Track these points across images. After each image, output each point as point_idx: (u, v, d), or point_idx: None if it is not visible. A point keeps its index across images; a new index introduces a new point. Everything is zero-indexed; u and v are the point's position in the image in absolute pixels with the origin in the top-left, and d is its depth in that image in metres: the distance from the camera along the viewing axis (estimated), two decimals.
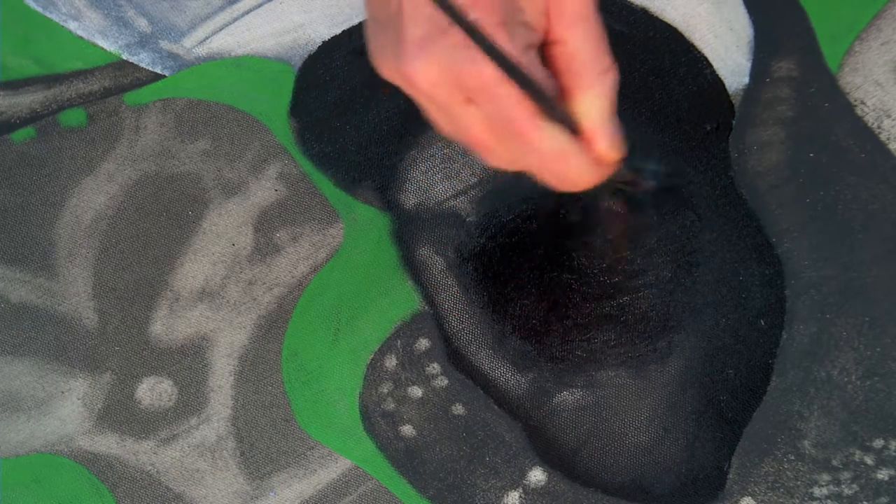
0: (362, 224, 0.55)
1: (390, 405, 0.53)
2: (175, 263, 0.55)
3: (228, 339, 0.54)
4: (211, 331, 0.54)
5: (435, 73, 0.39)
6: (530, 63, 0.40)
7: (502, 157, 0.42)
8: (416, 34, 0.39)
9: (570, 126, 0.41)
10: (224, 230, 0.56)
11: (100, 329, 0.54)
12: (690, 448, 0.52)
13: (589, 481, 0.51)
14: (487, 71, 0.38)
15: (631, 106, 0.56)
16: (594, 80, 0.41)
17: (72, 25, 0.59)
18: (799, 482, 0.51)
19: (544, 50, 0.41)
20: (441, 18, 0.38)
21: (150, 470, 0.53)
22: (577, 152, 0.41)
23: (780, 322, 0.53)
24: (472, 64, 0.38)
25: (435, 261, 0.54)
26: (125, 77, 0.59)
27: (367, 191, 0.56)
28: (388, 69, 0.40)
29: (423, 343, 0.53)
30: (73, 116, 0.58)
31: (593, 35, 0.41)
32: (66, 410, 0.53)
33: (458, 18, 0.37)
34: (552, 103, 0.40)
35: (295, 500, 0.52)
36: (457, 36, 0.38)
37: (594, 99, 0.41)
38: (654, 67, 0.57)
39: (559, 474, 0.52)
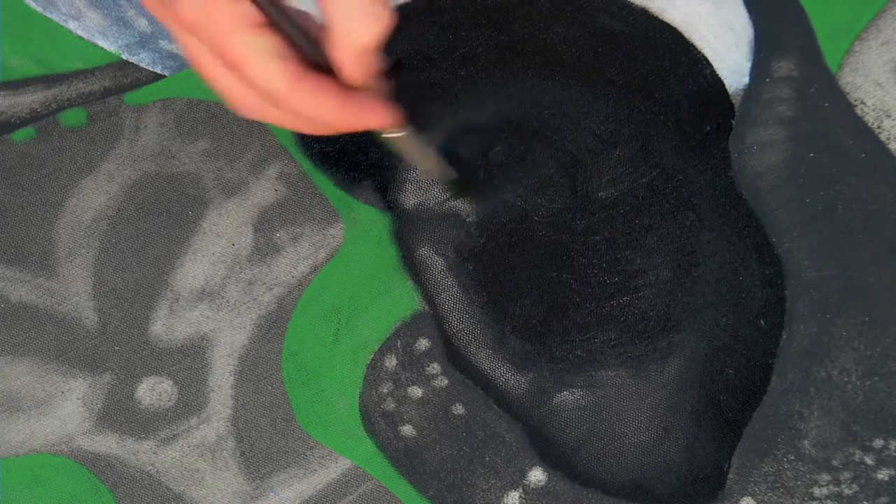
0: (362, 224, 0.55)
1: (390, 405, 0.53)
2: (175, 263, 0.55)
3: (228, 339, 0.54)
4: (211, 331, 0.54)
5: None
6: None
7: (241, 101, 0.42)
8: None
9: (316, 59, 0.41)
10: (224, 230, 0.56)
11: (100, 329, 0.54)
12: (690, 448, 0.52)
13: (589, 481, 0.51)
14: (186, 3, 0.39)
15: (631, 106, 0.56)
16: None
17: (72, 25, 0.59)
18: (799, 482, 0.51)
19: None
20: None
21: (150, 470, 0.52)
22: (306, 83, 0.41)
23: (780, 322, 0.53)
24: None
25: (435, 261, 0.54)
26: (125, 77, 0.59)
27: (367, 191, 0.56)
28: None
29: (423, 343, 0.53)
30: (73, 116, 0.58)
31: None
32: (66, 410, 0.53)
33: None
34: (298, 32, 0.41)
35: (295, 500, 0.52)
36: None
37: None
38: (654, 67, 0.57)
39: (559, 474, 0.52)
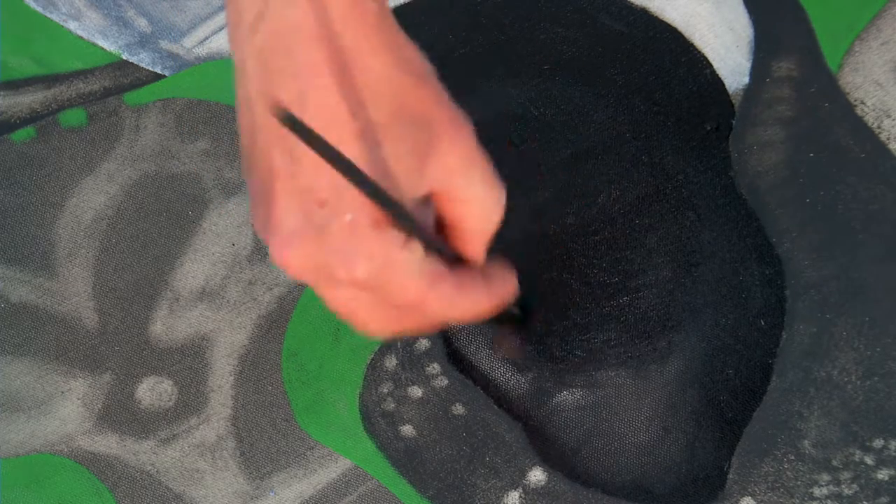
0: None
1: (390, 405, 0.53)
2: (175, 263, 0.55)
3: (228, 339, 0.54)
4: (211, 331, 0.54)
5: (304, 269, 0.37)
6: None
7: (379, 323, 0.40)
8: (287, 225, 0.36)
9: (449, 255, 0.39)
10: (224, 230, 0.56)
11: (100, 329, 0.54)
12: (690, 448, 0.52)
13: (589, 481, 0.51)
14: (361, 269, 0.36)
15: (631, 106, 0.56)
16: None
17: (72, 25, 0.59)
18: (799, 482, 0.51)
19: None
20: (316, 213, 0.36)
21: (150, 470, 0.53)
22: (466, 294, 0.39)
23: (780, 322, 0.53)
24: (345, 264, 0.36)
25: None
26: (125, 77, 0.59)
27: None
28: (259, 233, 0.38)
29: (423, 343, 0.53)
30: (73, 116, 0.58)
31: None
32: (66, 410, 0.53)
33: (355, 178, 0.34)
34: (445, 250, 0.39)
35: (295, 500, 0.52)
36: (332, 237, 0.36)
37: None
38: (654, 67, 0.57)
39: (559, 474, 0.52)
